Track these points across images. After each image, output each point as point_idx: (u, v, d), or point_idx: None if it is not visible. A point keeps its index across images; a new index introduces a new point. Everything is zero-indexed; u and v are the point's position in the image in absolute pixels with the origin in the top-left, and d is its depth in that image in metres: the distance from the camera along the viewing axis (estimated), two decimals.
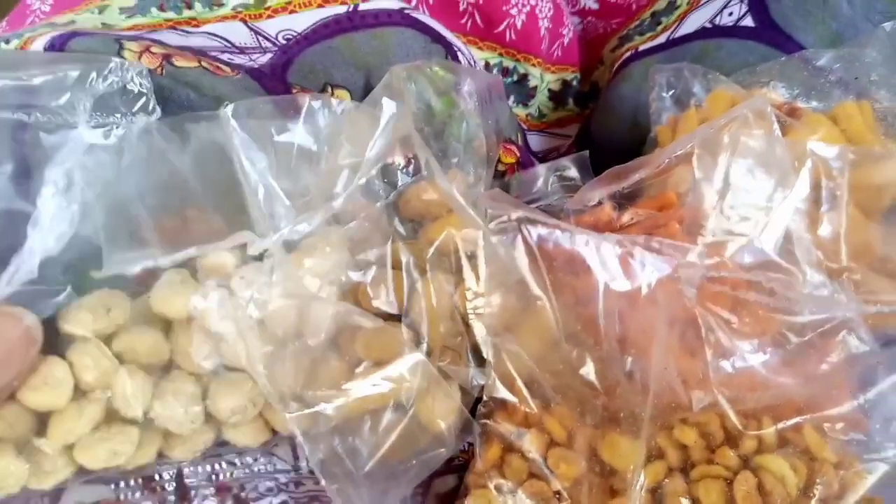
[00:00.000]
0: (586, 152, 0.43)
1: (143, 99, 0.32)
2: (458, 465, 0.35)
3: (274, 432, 0.32)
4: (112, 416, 0.29)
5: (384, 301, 0.31)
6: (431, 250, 0.32)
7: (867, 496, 0.28)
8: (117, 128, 0.31)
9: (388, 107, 0.31)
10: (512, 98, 0.54)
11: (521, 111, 0.55)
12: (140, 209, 0.29)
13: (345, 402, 0.30)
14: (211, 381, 0.31)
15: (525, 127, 0.55)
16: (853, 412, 0.29)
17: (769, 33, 0.49)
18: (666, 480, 0.30)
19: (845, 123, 0.40)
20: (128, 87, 0.31)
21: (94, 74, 0.30)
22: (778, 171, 0.36)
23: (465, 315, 0.33)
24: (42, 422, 0.29)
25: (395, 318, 0.32)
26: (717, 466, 0.28)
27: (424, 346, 0.32)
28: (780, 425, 0.28)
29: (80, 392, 0.29)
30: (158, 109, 0.32)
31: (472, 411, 0.33)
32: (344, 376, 0.31)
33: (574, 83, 0.56)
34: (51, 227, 0.28)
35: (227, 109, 0.31)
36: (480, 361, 0.33)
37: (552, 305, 0.34)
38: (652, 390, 0.32)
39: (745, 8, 0.50)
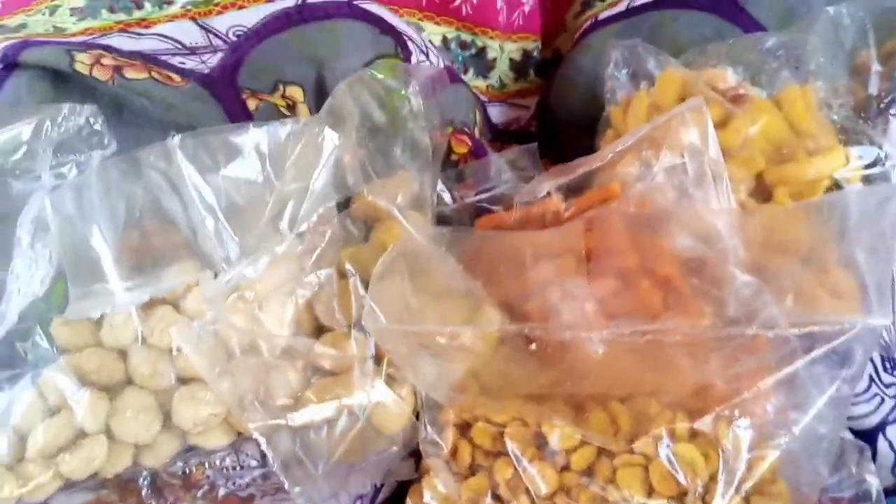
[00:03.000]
0: (535, 144, 0.44)
1: (97, 136, 0.34)
2: (417, 451, 0.38)
3: (238, 433, 0.35)
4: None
5: (333, 314, 0.33)
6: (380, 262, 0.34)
7: (772, 478, 0.31)
8: (77, 166, 0.32)
9: (331, 138, 0.32)
10: (472, 71, 0.55)
11: (480, 83, 0.55)
12: (101, 241, 0.31)
13: (302, 411, 0.33)
14: (172, 395, 0.33)
15: (486, 98, 0.56)
16: (765, 403, 0.32)
17: (723, 6, 0.49)
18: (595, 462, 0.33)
19: (788, 108, 0.41)
20: (82, 128, 0.32)
21: (48, 124, 0.32)
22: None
23: None
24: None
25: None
26: (637, 455, 0.31)
27: (374, 354, 0.34)
28: (697, 419, 0.31)
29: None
30: (114, 143, 0.34)
31: None
32: (300, 386, 0.33)
33: (535, 53, 0.56)
34: (31, 273, 0.30)
35: (175, 140, 0.32)
36: None
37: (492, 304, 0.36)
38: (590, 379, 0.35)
39: None
